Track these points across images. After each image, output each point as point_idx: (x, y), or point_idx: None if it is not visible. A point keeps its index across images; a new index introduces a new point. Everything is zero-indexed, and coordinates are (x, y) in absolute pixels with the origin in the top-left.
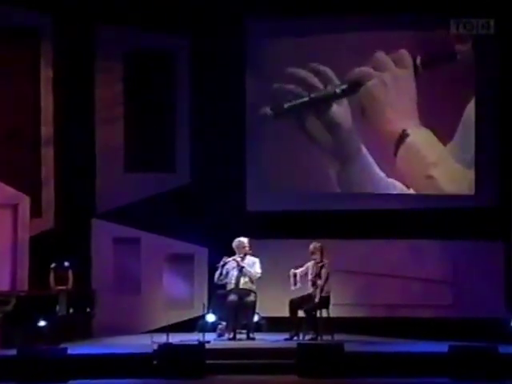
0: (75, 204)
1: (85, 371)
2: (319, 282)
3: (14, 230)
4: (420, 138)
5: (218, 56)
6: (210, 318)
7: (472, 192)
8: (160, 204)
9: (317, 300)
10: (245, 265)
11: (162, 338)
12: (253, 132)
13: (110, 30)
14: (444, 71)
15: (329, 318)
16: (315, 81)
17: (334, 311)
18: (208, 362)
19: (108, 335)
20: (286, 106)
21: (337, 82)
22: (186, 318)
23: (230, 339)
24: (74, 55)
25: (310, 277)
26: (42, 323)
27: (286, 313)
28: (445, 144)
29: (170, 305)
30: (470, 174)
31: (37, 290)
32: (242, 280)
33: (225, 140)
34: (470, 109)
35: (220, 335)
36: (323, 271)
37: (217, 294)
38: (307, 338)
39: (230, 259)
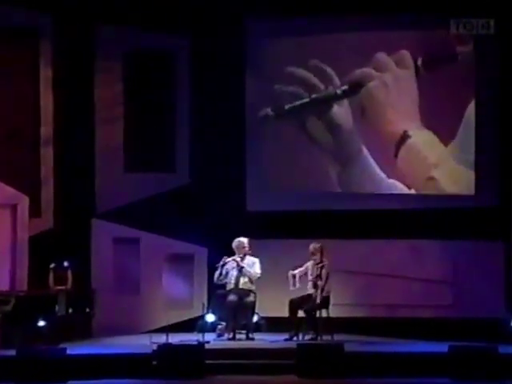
0: (75, 204)
1: (84, 371)
2: (320, 283)
3: (13, 229)
4: (421, 139)
5: (218, 56)
6: (210, 318)
7: (472, 192)
8: (160, 204)
9: (318, 301)
10: (244, 265)
11: (161, 338)
12: (253, 132)
13: (109, 29)
14: (445, 72)
15: (329, 318)
16: (316, 81)
17: (333, 311)
18: (207, 362)
19: (107, 335)
20: (286, 107)
21: (337, 80)
22: (185, 318)
23: (229, 339)
24: (73, 55)
25: (310, 278)
26: (41, 323)
27: (285, 313)
28: (446, 145)
29: (170, 305)
30: (471, 175)
31: (36, 290)
32: (242, 280)
33: (225, 140)
34: (471, 109)
35: (219, 335)
36: (323, 272)
37: (216, 294)
38: (307, 338)
39: (230, 259)
